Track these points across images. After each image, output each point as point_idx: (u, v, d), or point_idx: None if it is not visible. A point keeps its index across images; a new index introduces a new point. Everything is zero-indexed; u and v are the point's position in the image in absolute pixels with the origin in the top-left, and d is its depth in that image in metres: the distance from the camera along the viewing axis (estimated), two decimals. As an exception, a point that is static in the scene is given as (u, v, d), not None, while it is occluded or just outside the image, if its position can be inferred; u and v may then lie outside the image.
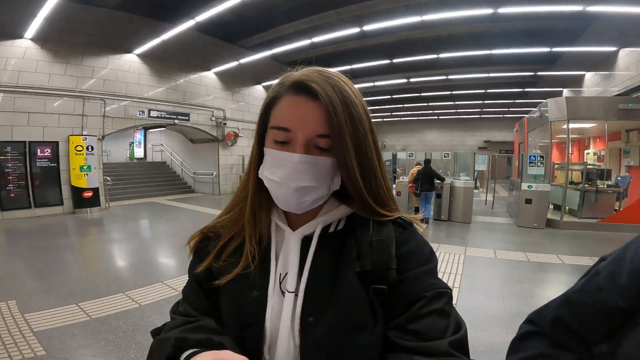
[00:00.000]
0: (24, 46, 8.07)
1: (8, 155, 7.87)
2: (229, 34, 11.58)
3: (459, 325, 0.53)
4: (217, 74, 12.86)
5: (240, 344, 0.56)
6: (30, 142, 8.20)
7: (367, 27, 9.33)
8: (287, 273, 0.59)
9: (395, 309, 0.55)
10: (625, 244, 0.52)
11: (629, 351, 0.44)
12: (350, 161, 0.55)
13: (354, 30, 9.49)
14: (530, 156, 7.96)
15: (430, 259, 0.58)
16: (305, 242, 0.60)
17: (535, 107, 9.09)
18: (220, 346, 0.50)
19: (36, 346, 2.57)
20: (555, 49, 10.69)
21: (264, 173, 0.59)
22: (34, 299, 3.43)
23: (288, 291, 0.57)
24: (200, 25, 9.01)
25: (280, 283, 0.59)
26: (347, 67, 12.74)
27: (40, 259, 4.87)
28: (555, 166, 8.56)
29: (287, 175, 0.55)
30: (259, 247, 0.61)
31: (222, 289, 0.62)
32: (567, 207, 7.85)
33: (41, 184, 8.41)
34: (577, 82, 11.61)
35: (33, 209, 8.26)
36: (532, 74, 13.96)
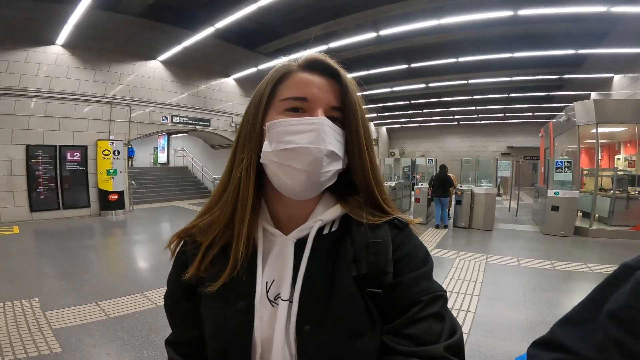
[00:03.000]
0: (56, 52, 8.48)
1: (39, 159, 8.27)
2: (247, 41, 11.81)
3: (454, 329, 0.53)
4: (236, 80, 13.12)
5: (226, 357, 0.54)
6: (60, 146, 8.59)
7: (384, 32, 9.27)
8: (274, 281, 0.56)
9: (390, 313, 0.54)
10: None
11: None
12: (361, 135, 0.57)
13: (371, 35, 9.46)
14: (557, 162, 7.65)
15: (426, 261, 0.57)
16: (299, 246, 0.57)
17: (561, 112, 8.74)
18: None
19: (53, 343, 2.64)
20: (580, 51, 10.26)
21: (273, 148, 0.54)
22: (56, 297, 3.55)
23: (282, 299, 0.54)
24: (219, 32, 9.23)
25: (267, 292, 0.56)
26: (365, 73, 12.69)
27: (66, 259, 5.06)
28: (584, 172, 8.18)
29: (315, 139, 0.52)
30: (247, 252, 0.56)
31: (204, 300, 0.58)
32: (596, 215, 7.46)
33: (70, 187, 8.78)
34: (606, 84, 11.11)
35: (61, 210, 8.62)
36: (558, 77, 13.45)
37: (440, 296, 0.54)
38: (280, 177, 0.54)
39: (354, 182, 0.59)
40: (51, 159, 8.45)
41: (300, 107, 0.55)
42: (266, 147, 0.55)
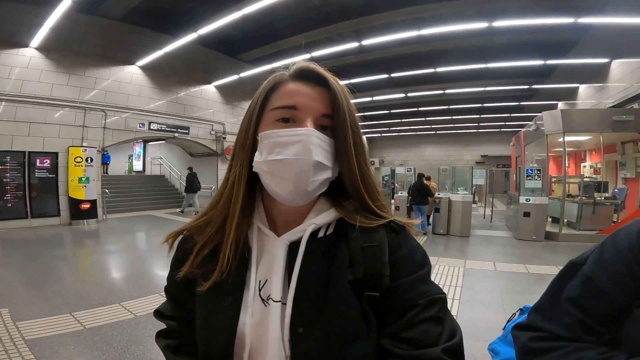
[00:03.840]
0: (29, 55, 8.17)
1: (7, 165, 7.87)
2: (229, 48, 11.79)
3: (454, 332, 0.52)
4: (217, 87, 13.00)
5: (210, 349, 0.57)
6: (30, 153, 8.20)
7: (366, 42, 9.51)
8: (266, 280, 0.57)
9: (388, 316, 0.54)
10: (599, 246, 0.64)
11: (631, 335, 0.56)
12: (349, 143, 0.57)
13: (353, 44, 9.68)
14: (527, 169, 8.02)
15: (424, 264, 0.57)
16: (292, 248, 0.58)
17: (531, 121, 9.19)
18: None
19: (27, 354, 2.51)
20: (549, 62, 10.86)
21: (263, 158, 0.56)
22: (27, 308, 3.37)
23: (274, 300, 0.55)
24: (201, 39, 9.17)
25: (260, 290, 0.57)
26: (346, 82, 12.03)
27: (35, 269, 4.81)
28: (553, 179, 8.60)
29: (302, 150, 0.53)
30: (237, 252, 0.58)
31: (197, 298, 0.61)
32: (565, 220, 7.85)
33: (39, 195, 8.37)
34: (572, 94, 11.78)
35: (30, 219, 8.19)
36: (528, 87, 14.19)
37: (438, 299, 0.54)
38: (270, 185, 0.56)
39: (345, 187, 0.60)
40: (19, 166, 8.05)
41: (290, 117, 0.56)
42: (257, 157, 0.57)
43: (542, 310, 0.68)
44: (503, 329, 1.07)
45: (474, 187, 14.15)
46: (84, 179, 8.99)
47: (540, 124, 8.28)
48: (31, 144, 8.26)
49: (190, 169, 12.46)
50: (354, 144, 0.57)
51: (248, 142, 0.59)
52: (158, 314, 0.73)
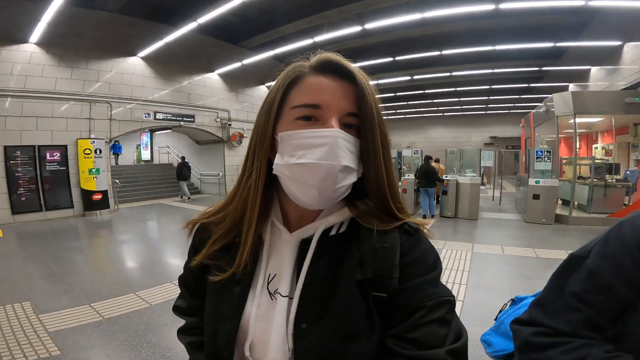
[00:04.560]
0: (30, 51, 8.17)
1: (18, 160, 8.00)
2: (230, 35, 11.63)
3: (460, 334, 0.51)
4: (220, 75, 12.92)
5: (215, 336, 0.58)
6: (39, 146, 8.31)
7: (369, 26, 9.28)
8: (275, 275, 0.58)
9: (394, 318, 0.53)
10: (602, 238, 0.62)
11: (635, 329, 0.56)
12: (377, 144, 0.54)
13: (356, 28, 9.46)
14: (537, 151, 7.91)
15: (435, 266, 0.56)
16: (303, 245, 0.58)
17: (541, 103, 9.01)
18: None
19: (51, 346, 2.62)
20: (559, 44, 10.57)
21: (285, 161, 0.53)
22: (48, 300, 3.50)
23: (281, 295, 0.56)
24: (202, 27, 9.03)
25: (268, 284, 0.58)
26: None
27: (53, 261, 4.96)
28: (563, 161, 8.47)
29: (328, 154, 0.50)
30: (252, 248, 0.58)
31: (208, 287, 0.63)
32: (575, 202, 7.77)
33: (51, 188, 8.53)
34: (583, 76, 11.48)
35: (44, 212, 8.39)
36: (538, 69, 13.82)
37: (446, 301, 0.53)
38: (292, 190, 0.53)
39: (366, 188, 0.58)
40: (30, 160, 8.18)
41: (312, 116, 0.52)
42: (278, 159, 0.54)
43: (544, 305, 0.67)
44: (495, 320, 1.06)
45: (482, 169, 14.05)
46: (94, 170, 9.13)
47: (550, 106, 8.10)
48: (40, 138, 8.37)
49: (182, 158, 13.03)
50: (381, 144, 0.55)
51: (266, 141, 0.56)
52: (178, 310, 0.74)
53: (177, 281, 0.76)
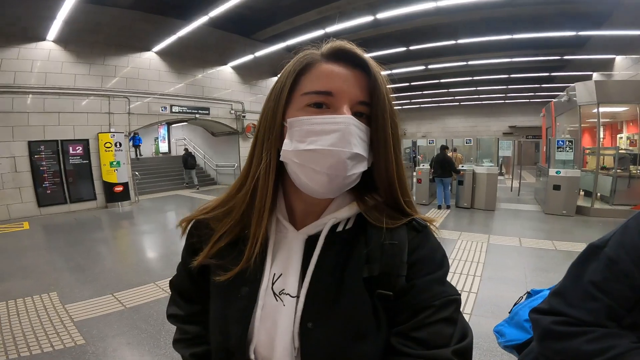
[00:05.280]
0: (48, 48, 8.37)
1: (42, 154, 8.30)
2: (242, 28, 11.60)
3: (465, 334, 0.52)
4: (233, 67, 12.99)
5: (224, 340, 0.56)
6: (62, 141, 8.60)
7: (381, 15, 9.08)
8: (281, 274, 0.56)
9: (400, 316, 0.52)
10: (621, 228, 0.62)
11: None
12: (388, 134, 0.53)
13: (368, 18, 9.27)
14: (558, 141, 7.66)
15: (442, 265, 0.55)
16: (310, 242, 0.56)
17: (563, 92, 8.69)
18: None
19: (76, 335, 2.76)
20: (581, 33, 10.12)
21: (293, 147, 0.51)
22: (74, 291, 3.67)
23: (291, 296, 0.54)
24: (213, 21, 9.05)
25: (273, 284, 0.56)
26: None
27: (78, 252, 5.18)
28: (586, 151, 8.19)
29: (339, 140, 0.49)
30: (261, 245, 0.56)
31: (212, 287, 0.60)
32: (598, 194, 7.51)
33: (74, 181, 8.83)
34: (608, 65, 10.98)
35: (69, 204, 8.72)
36: (559, 58, 13.27)
37: (453, 300, 0.53)
38: (301, 177, 0.52)
39: (375, 180, 0.56)
40: (54, 154, 8.48)
41: (324, 103, 0.51)
42: (287, 145, 0.52)
43: (563, 294, 0.67)
44: (509, 312, 1.07)
45: (500, 159, 13.73)
46: (114, 162, 9.38)
47: (572, 95, 7.80)
48: (62, 133, 8.64)
49: (185, 149, 13.91)
50: (392, 134, 0.54)
51: (276, 128, 0.54)
52: (175, 319, 0.70)
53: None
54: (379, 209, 0.57)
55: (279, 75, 0.57)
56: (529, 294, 1.08)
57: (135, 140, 15.52)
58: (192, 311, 0.68)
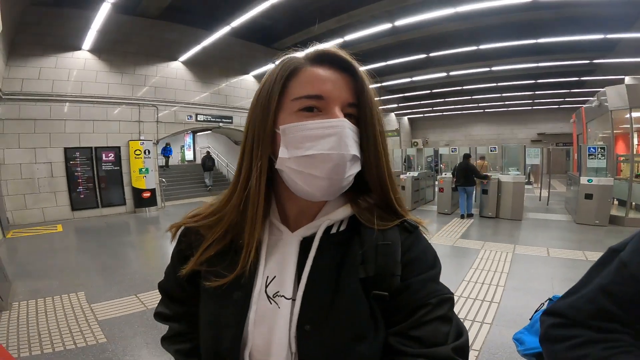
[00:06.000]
0: (84, 57, 8.86)
1: (77, 160, 8.77)
2: (263, 38, 11.88)
3: (460, 331, 0.52)
4: (255, 77, 13.27)
5: (217, 345, 0.55)
6: (95, 148, 9.06)
7: (399, 23, 9.08)
8: (274, 277, 0.55)
9: (397, 315, 0.53)
10: (638, 234, 0.62)
11: None
12: (377, 133, 0.54)
13: (386, 26, 9.29)
14: (589, 148, 7.32)
15: (434, 264, 0.56)
16: (305, 244, 0.56)
17: (593, 97, 8.34)
18: None
19: (99, 334, 2.87)
20: (609, 36, 9.71)
21: (290, 155, 0.51)
22: (100, 291, 3.82)
23: (285, 297, 0.54)
24: (235, 31, 9.32)
25: (266, 287, 0.55)
26: (383, 64, 12.52)
27: (107, 254, 5.41)
28: (620, 158, 7.78)
29: (337, 144, 0.49)
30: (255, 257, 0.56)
31: (203, 292, 0.59)
32: (633, 203, 7.10)
33: (106, 186, 9.25)
34: (639, 69, 10.46)
35: (100, 208, 9.13)
36: (588, 62, 12.77)
37: (447, 299, 0.53)
38: (299, 183, 0.52)
39: (366, 179, 0.57)
40: (88, 160, 8.93)
41: (315, 106, 0.51)
42: (283, 153, 0.52)
43: (570, 294, 0.68)
44: (530, 319, 1.05)
45: (528, 167, 13.22)
46: (143, 169, 9.77)
47: (603, 100, 7.47)
48: (96, 140, 9.10)
49: (207, 152, 14.55)
50: (380, 133, 0.55)
51: (266, 136, 0.53)
52: (160, 316, 0.70)
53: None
54: (371, 210, 0.57)
55: (262, 82, 0.56)
56: (550, 300, 1.05)
57: (166, 151, 15.85)
58: (178, 312, 0.68)
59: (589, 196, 6.91)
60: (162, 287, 0.71)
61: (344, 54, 0.54)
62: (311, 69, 0.53)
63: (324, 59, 0.54)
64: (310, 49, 0.57)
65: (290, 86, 0.53)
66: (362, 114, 0.54)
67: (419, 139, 25.19)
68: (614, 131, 7.43)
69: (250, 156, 0.55)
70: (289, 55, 0.57)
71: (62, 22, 8.26)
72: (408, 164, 14.55)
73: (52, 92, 8.36)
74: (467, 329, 3.01)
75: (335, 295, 0.52)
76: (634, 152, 7.26)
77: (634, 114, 6.94)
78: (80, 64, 8.81)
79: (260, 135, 0.54)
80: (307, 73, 0.53)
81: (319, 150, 0.49)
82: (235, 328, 0.53)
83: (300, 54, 0.56)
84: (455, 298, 3.42)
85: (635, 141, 7.41)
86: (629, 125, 7.10)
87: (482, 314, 3.13)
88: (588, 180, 6.92)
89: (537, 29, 10.01)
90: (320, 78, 0.52)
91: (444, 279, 0.56)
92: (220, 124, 12.27)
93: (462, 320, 3.05)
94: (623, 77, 10.83)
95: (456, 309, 2.70)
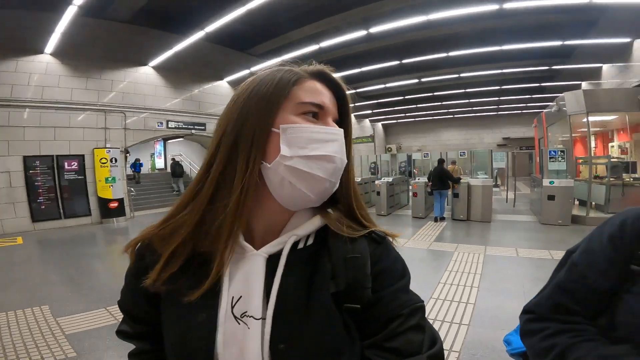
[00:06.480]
0: (45, 61, 8.43)
1: (37, 169, 8.28)
2: (238, 43, 11.80)
3: (435, 339, 0.53)
4: (229, 82, 13.12)
5: None
6: (57, 156, 8.58)
7: (374, 30, 9.34)
8: (240, 297, 0.52)
9: (370, 328, 0.53)
10: (588, 236, 0.71)
11: (624, 319, 0.61)
12: (351, 149, 0.60)
13: (361, 33, 9.52)
14: (550, 151, 7.76)
15: (404, 274, 0.57)
16: (271, 261, 0.54)
17: (553, 102, 8.88)
18: None
19: (67, 348, 2.71)
20: (567, 42, 10.47)
21: (294, 153, 0.51)
22: (66, 304, 3.61)
23: (254, 317, 0.51)
24: (209, 36, 9.21)
25: (232, 307, 0.52)
26: (357, 70, 12.79)
27: (72, 267, 5.10)
28: (579, 160, 8.29)
29: (339, 149, 0.54)
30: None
31: (166, 310, 0.56)
32: (592, 203, 7.57)
33: (69, 196, 8.78)
34: (595, 74, 11.28)
35: (63, 219, 8.64)
36: (548, 68, 13.65)
37: (419, 307, 0.54)
38: (294, 183, 0.51)
39: (337, 192, 0.58)
40: (49, 169, 8.46)
41: (317, 114, 0.55)
42: (284, 151, 0.51)
43: (538, 294, 0.77)
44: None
45: (495, 171, 13.85)
46: (110, 178, 9.36)
47: (562, 105, 7.97)
48: (58, 148, 8.63)
49: (172, 159, 14.42)
50: (351, 151, 0.60)
51: (264, 136, 0.52)
52: (122, 334, 0.66)
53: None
54: (340, 222, 0.57)
55: (260, 81, 0.55)
56: None
57: (136, 166, 14.72)
58: (140, 330, 0.64)
59: (551, 197, 7.29)
60: (122, 307, 0.66)
61: (337, 76, 0.60)
62: (313, 81, 0.57)
63: (324, 77, 0.58)
64: (310, 66, 0.60)
65: (294, 91, 0.55)
66: (343, 130, 0.58)
67: (392, 144, 25.76)
68: (573, 135, 7.92)
69: (243, 157, 0.52)
70: (289, 66, 0.59)
71: (25, 24, 7.83)
72: (374, 170, 15.08)
73: (10, 97, 7.89)
74: (446, 330, 3.11)
75: (308, 311, 0.51)
76: (592, 155, 7.76)
77: (591, 118, 7.43)
78: (41, 68, 8.37)
79: (255, 136, 0.52)
80: (310, 84, 0.56)
81: (326, 151, 0.52)
82: (204, 352, 0.50)
83: (299, 68, 0.59)
84: (433, 300, 3.49)
85: (593, 144, 7.93)
86: (586, 129, 7.58)
87: (459, 315, 3.20)
88: (550, 182, 7.32)
89: (501, 36, 10.58)
90: (322, 91, 0.56)
91: (422, 282, 0.57)
92: (193, 131, 11.99)
93: (440, 322, 3.07)
94: (580, 82, 11.66)
95: (434, 311, 2.72)
